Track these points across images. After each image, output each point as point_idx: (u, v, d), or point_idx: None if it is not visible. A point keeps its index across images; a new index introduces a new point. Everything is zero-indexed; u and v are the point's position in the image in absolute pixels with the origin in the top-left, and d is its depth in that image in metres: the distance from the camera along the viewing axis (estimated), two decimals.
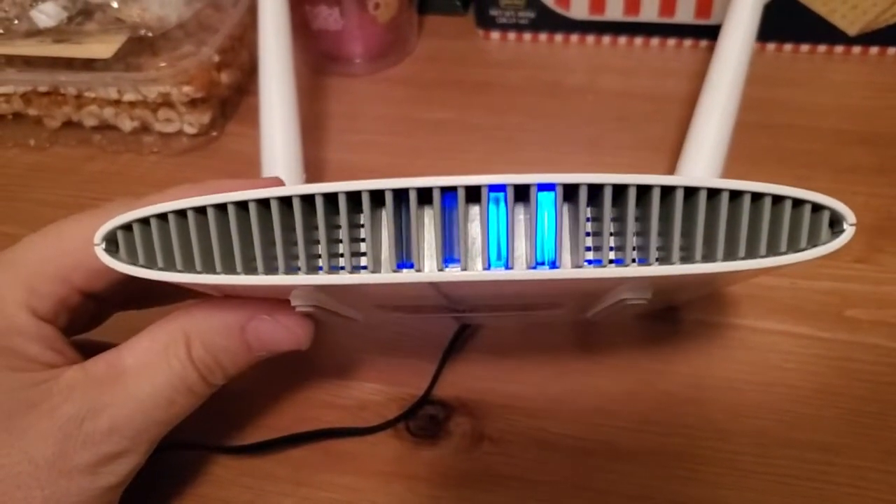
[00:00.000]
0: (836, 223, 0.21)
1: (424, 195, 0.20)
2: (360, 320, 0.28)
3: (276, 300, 0.24)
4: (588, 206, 0.20)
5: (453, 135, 0.46)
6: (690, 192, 0.20)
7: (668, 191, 0.20)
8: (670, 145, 0.43)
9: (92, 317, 0.28)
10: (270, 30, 0.35)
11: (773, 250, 0.20)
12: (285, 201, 0.20)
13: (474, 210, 0.20)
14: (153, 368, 0.24)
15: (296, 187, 0.20)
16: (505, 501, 0.30)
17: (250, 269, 0.20)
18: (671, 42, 0.52)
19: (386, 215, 0.20)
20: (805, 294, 0.36)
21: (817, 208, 0.21)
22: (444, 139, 0.46)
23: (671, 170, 0.39)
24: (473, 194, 0.20)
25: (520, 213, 0.21)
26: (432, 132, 0.47)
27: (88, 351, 0.26)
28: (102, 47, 0.43)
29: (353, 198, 0.20)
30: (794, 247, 0.20)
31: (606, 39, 0.53)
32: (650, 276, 0.20)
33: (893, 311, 0.35)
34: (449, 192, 0.20)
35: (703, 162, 0.31)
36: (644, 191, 0.20)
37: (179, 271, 0.20)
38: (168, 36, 0.44)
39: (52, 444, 0.23)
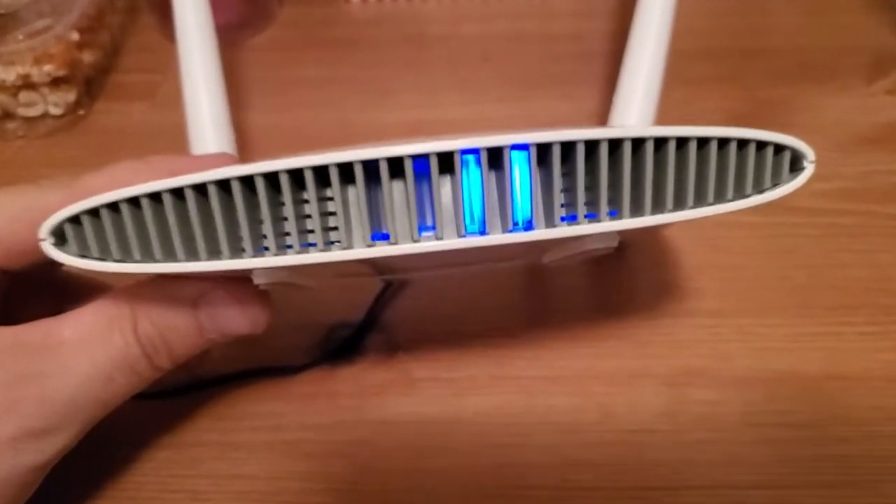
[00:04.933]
0: (795, 161, 0.21)
1: (394, 164, 0.19)
2: (314, 287, 0.27)
3: (234, 277, 0.23)
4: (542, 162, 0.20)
5: (329, 89, 0.47)
6: (659, 143, 0.20)
7: (637, 143, 0.20)
8: (532, 78, 0.47)
9: (7, 301, 0.26)
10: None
11: (739, 193, 0.21)
12: (246, 180, 0.19)
13: (445, 176, 0.20)
14: (94, 341, 0.23)
15: (258, 164, 0.18)
16: (424, 399, 0.31)
17: (214, 253, 0.19)
18: None
19: (356, 190, 0.19)
20: None
21: (779, 149, 0.21)
22: (321, 93, 0.47)
23: (541, 101, 0.45)
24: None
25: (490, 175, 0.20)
26: (308, 88, 0.47)
27: None
28: None
29: (317, 172, 0.19)
30: (758, 188, 0.21)
31: None
32: (627, 228, 0.20)
33: None
34: (419, 159, 0.19)
35: (635, 112, 0.31)
36: (615, 145, 0.20)
37: (137, 261, 0.19)
38: (18, 17, 0.41)
39: None
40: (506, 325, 0.33)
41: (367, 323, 0.33)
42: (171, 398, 0.31)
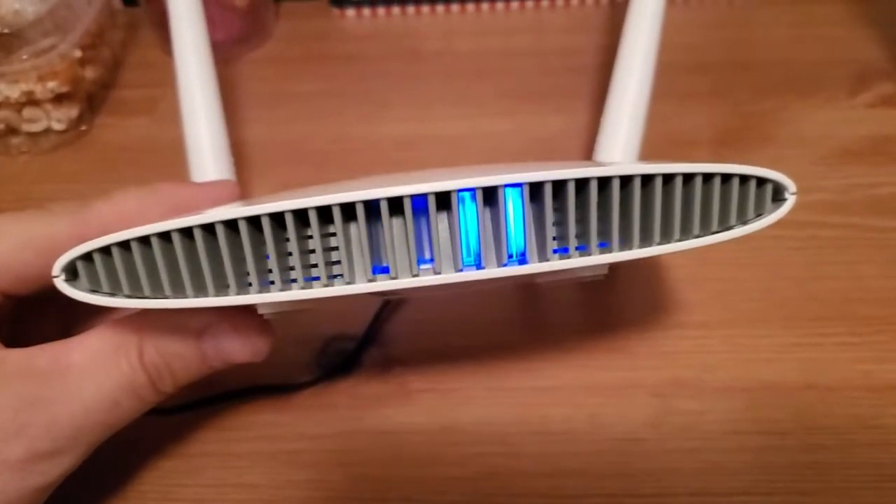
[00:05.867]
0: (777, 192, 0.22)
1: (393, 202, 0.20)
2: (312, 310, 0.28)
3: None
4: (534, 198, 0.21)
5: (325, 102, 0.48)
6: (647, 179, 0.21)
7: (625, 180, 0.21)
8: (524, 91, 0.48)
9: (14, 322, 0.27)
10: (184, 16, 0.33)
11: (723, 225, 0.21)
12: (252, 220, 0.19)
13: (442, 212, 0.21)
14: (101, 368, 0.23)
15: (265, 205, 0.19)
16: (420, 410, 0.32)
17: (221, 288, 0.20)
18: (514, 4, 0.55)
19: (358, 227, 0.20)
20: None
21: (762, 182, 0.22)
22: (317, 107, 0.48)
23: (534, 114, 0.45)
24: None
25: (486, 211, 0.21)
26: (304, 102, 0.48)
27: None
28: None
29: (320, 212, 0.20)
30: (742, 219, 0.22)
31: (455, 7, 0.55)
32: (616, 261, 0.21)
33: None
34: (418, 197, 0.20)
35: (620, 145, 0.32)
36: (604, 182, 0.21)
37: (146, 297, 0.20)
38: (22, 35, 0.42)
39: None
40: (500, 338, 0.34)
41: (366, 339, 0.34)
42: (175, 414, 0.32)
